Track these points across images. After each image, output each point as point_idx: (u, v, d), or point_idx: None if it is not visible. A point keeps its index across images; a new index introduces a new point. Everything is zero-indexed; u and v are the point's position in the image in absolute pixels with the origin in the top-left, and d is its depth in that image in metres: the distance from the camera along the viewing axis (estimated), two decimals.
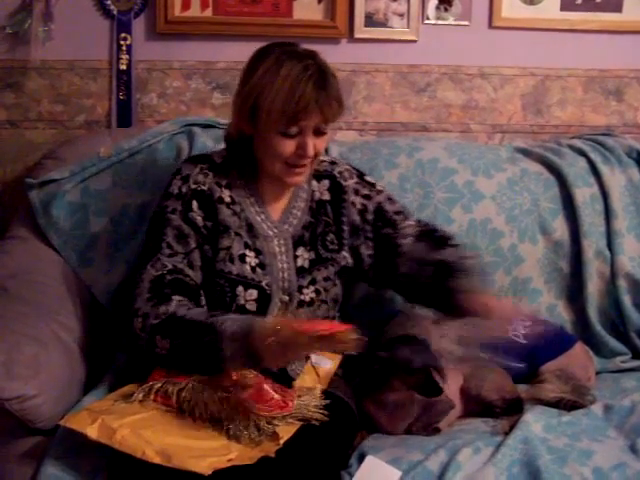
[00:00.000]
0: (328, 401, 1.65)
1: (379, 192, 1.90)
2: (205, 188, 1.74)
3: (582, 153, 2.31)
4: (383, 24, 2.42)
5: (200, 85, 2.38)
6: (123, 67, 2.36)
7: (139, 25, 2.36)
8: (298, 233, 1.80)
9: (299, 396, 1.64)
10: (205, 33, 2.36)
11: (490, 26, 2.46)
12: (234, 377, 1.62)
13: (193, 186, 1.73)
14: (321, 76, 1.65)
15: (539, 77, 2.51)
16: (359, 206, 1.86)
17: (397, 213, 1.89)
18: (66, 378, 1.72)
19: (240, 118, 1.72)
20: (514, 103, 2.51)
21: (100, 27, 2.35)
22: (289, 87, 1.62)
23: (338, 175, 1.88)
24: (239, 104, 1.71)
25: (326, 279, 1.80)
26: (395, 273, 1.84)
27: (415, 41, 2.44)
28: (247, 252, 1.74)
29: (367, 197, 1.87)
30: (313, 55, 1.69)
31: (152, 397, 1.57)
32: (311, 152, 1.68)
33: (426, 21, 2.44)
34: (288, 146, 1.67)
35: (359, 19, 2.40)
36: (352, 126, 2.48)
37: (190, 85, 2.40)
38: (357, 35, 2.41)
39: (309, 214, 1.83)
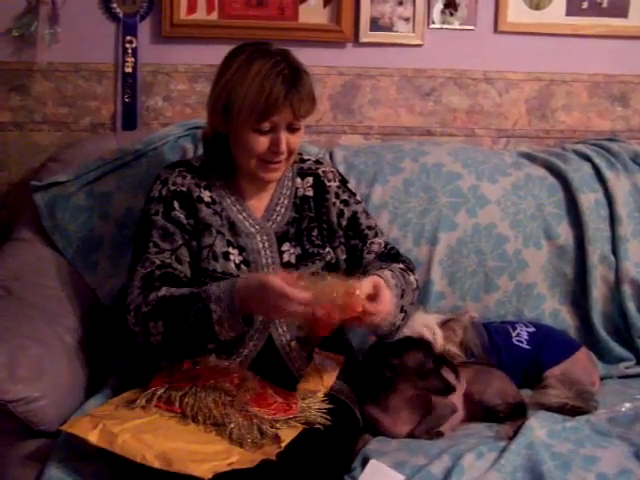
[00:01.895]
0: (331, 405, 1.65)
1: (357, 202, 1.90)
2: (184, 189, 1.76)
3: (587, 158, 2.31)
4: (388, 28, 2.42)
5: (205, 88, 2.37)
6: (128, 70, 2.37)
7: (145, 28, 2.37)
8: (282, 229, 1.81)
9: (302, 399, 1.64)
10: (211, 36, 2.36)
11: (495, 31, 2.47)
12: (236, 381, 1.62)
13: (172, 187, 1.76)
14: (291, 72, 1.67)
15: (544, 82, 2.51)
16: (337, 210, 1.86)
17: (369, 228, 1.89)
18: (69, 381, 1.72)
19: (214, 117, 1.74)
20: (519, 108, 2.51)
21: (106, 30, 2.36)
22: (259, 83, 1.64)
23: (322, 174, 1.88)
24: (212, 103, 1.74)
25: (313, 274, 1.78)
26: None
27: (420, 45, 2.45)
28: (230, 250, 1.75)
29: (345, 203, 1.88)
30: (285, 53, 1.71)
31: (154, 403, 1.57)
32: (283, 148, 1.69)
33: (431, 25, 2.44)
34: (261, 142, 1.69)
35: (365, 23, 2.41)
36: (357, 130, 2.48)
37: (195, 88, 2.40)
38: (362, 39, 2.42)
39: (293, 210, 1.83)
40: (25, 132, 2.38)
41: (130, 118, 2.38)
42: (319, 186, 1.86)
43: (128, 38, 2.36)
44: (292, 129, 1.70)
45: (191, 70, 2.40)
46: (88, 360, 1.84)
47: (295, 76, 1.67)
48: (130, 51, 2.36)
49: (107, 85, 2.38)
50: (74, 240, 2.07)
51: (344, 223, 1.86)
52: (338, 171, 1.95)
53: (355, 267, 1.85)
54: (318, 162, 1.91)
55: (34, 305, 1.85)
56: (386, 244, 1.90)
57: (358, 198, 1.92)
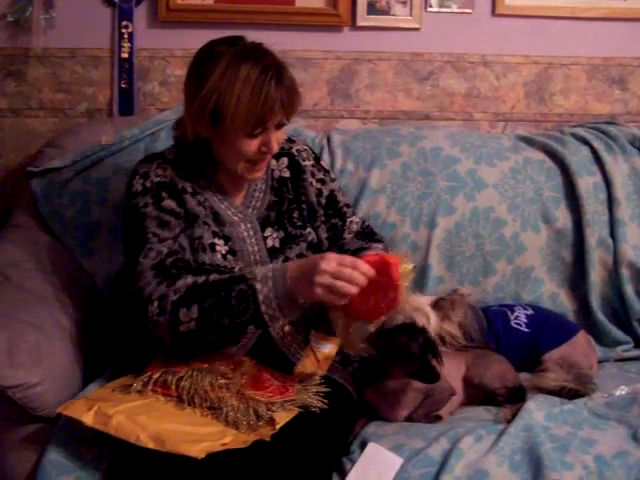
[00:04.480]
0: (328, 389, 1.64)
1: (332, 180, 1.91)
2: (167, 180, 1.71)
3: (585, 142, 2.31)
4: (386, 12, 2.41)
5: None
6: (125, 55, 2.36)
7: (141, 13, 2.36)
8: (263, 215, 1.79)
9: (299, 382, 1.64)
10: (207, 21, 2.34)
11: (493, 14, 2.45)
12: (232, 365, 1.62)
13: (156, 179, 1.70)
14: (279, 73, 1.63)
15: (542, 65, 2.50)
16: (315, 189, 1.86)
17: (347, 206, 1.90)
18: (68, 366, 1.72)
19: (197, 123, 1.66)
20: (517, 91, 2.51)
21: (102, 15, 2.35)
22: (252, 90, 1.60)
23: (296, 153, 1.87)
24: (196, 110, 1.64)
25: (299, 256, 1.78)
26: None
27: (418, 29, 2.44)
28: (216, 240, 1.72)
29: (322, 182, 1.87)
30: (264, 51, 1.66)
31: (151, 387, 1.57)
32: (275, 149, 1.68)
33: (429, 9, 2.43)
34: (252, 145, 1.66)
35: (362, 7, 2.39)
36: (354, 115, 2.47)
37: None
38: (359, 23, 2.41)
39: (272, 194, 1.82)
40: (21, 118, 2.37)
41: (127, 103, 2.37)
42: (294, 166, 1.85)
43: (124, 23, 2.35)
44: (279, 126, 1.68)
45: (188, 55, 2.34)
46: (87, 346, 1.84)
47: (283, 76, 1.64)
48: (126, 36, 2.35)
49: (103, 70, 2.37)
50: (71, 226, 2.07)
51: (323, 202, 1.86)
52: (310, 148, 1.94)
53: (333, 246, 1.85)
54: (290, 140, 1.89)
55: (32, 291, 1.86)
56: (363, 222, 1.92)
57: (332, 175, 1.93)
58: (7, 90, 2.35)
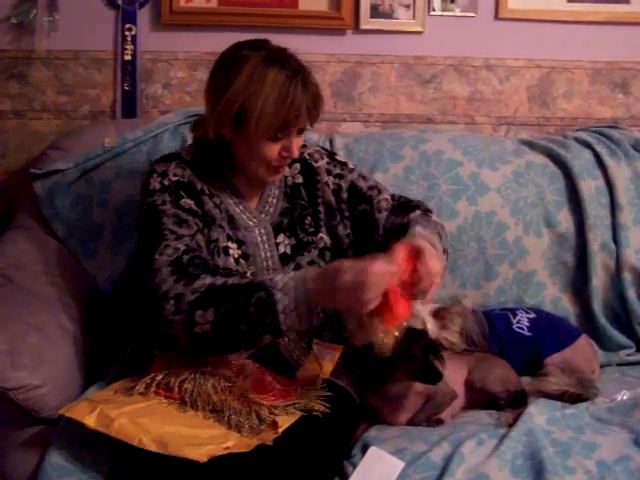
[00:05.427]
0: (330, 393, 1.64)
1: (351, 170, 1.89)
2: (185, 180, 1.70)
3: (588, 145, 2.31)
4: (389, 15, 2.41)
5: (205, 76, 2.32)
6: (128, 58, 2.36)
7: (144, 15, 2.36)
8: (276, 221, 1.79)
9: (301, 386, 1.64)
10: (210, 24, 2.35)
11: (496, 17, 2.46)
12: (235, 368, 1.62)
13: (174, 178, 1.69)
14: (304, 78, 1.65)
15: (545, 69, 2.50)
16: (332, 186, 1.85)
17: (371, 188, 1.87)
18: (70, 368, 1.72)
19: (221, 124, 1.67)
20: (520, 95, 2.51)
21: (105, 17, 2.35)
22: (278, 94, 1.61)
23: (308, 157, 1.86)
24: (220, 111, 1.65)
25: (310, 263, 1.78)
26: (374, 248, 1.79)
27: (421, 32, 2.44)
28: (230, 244, 1.72)
29: (340, 176, 1.86)
30: (289, 56, 1.67)
31: (153, 389, 1.57)
32: (296, 153, 1.68)
33: (432, 12, 2.43)
34: (274, 149, 1.66)
35: (365, 10, 2.40)
36: (357, 118, 2.47)
37: (195, 76, 2.39)
38: (363, 26, 2.41)
39: (284, 200, 1.82)
40: (24, 120, 2.37)
41: (130, 106, 2.37)
42: (307, 170, 1.85)
43: (127, 26, 2.35)
44: (300, 131, 1.69)
45: (191, 58, 2.39)
46: (89, 347, 1.84)
47: (308, 82, 1.65)
48: (129, 39, 2.35)
49: (106, 73, 2.37)
50: (74, 228, 2.07)
51: (345, 196, 1.85)
52: (323, 148, 1.94)
53: (369, 231, 1.83)
54: (303, 145, 1.86)
55: (35, 293, 1.86)
56: (393, 196, 1.89)
57: (351, 166, 1.90)
58: (10, 92, 2.36)
